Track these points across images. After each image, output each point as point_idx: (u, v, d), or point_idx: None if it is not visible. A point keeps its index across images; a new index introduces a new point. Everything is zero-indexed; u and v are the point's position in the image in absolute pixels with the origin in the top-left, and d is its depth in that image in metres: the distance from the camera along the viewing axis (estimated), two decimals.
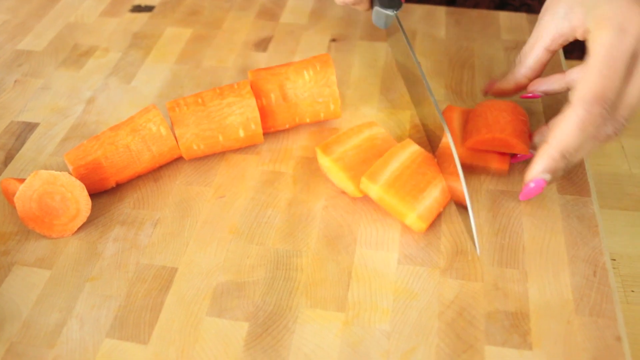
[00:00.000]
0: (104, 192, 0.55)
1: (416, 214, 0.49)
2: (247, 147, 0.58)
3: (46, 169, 0.57)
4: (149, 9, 0.78)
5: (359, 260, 0.49)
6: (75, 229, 0.51)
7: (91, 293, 0.47)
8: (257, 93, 0.56)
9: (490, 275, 0.48)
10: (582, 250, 0.49)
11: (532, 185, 0.49)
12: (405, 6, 0.77)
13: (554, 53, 0.54)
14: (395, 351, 0.43)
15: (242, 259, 0.49)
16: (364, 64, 0.68)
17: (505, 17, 0.75)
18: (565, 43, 0.53)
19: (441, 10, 0.76)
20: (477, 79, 0.66)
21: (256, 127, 0.55)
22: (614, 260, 0.77)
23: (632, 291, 0.74)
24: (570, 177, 0.55)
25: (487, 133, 0.53)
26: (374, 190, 0.50)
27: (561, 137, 0.46)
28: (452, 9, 0.76)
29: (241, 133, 0.55)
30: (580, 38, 0.51)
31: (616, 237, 0.82)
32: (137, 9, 0.78)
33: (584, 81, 0.46)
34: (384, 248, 0.50)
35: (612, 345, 0.43)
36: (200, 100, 0.55)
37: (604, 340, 0.44)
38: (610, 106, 0.46)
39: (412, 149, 0.53)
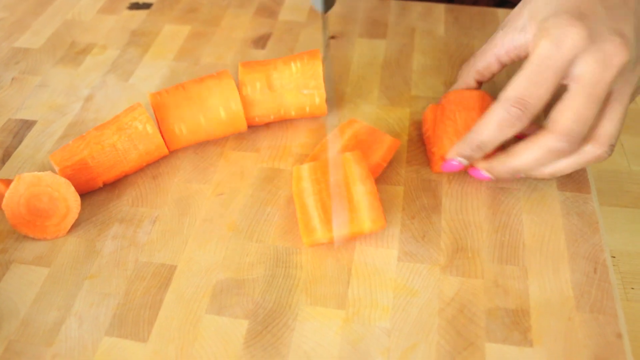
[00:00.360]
0: (102, 190, 0.55)
1: (369, 222, 0.48)
2: (245, 145, 0.58)
3: (44, 167, 0.57)
4: (146, 6, 0.77)
5: (359, 257, 0.49)
6: (69, 227, 0.51)
7: (90, 291, 0.47)
8: (243, 81, 0.57)
9: (490, 273, 0.48)
10: (582, 247, 0.49)
11: (451, 163, 0.52)
12: (404, 3, 0.76)
13: (504, 66, 0.55)
14: (396, 348, 0.43)
15: (241, 257, 0.49)
16: (362, 61, 0.68)
17: (504, 15, 0.75)
18: (517, 59, 0.53)
19: (440, 7, 0.76)
20: None
21: (236, 106, 0.55)
22: (614, 257, 0.77)
23: (632, 288, 0.74)
24: (571, 173, 0.55)
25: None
26: (321, 239, 0.48)
27: (479, 129, 0.49)
28: (451, 6, 0.76)
29: (222, 113, 0.55)
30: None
31: (615, 234, 0.82)
32: (135, 6, 0.78)
33: (512, 83, 0.48)
34: (383, 245, 0.49)
35: (613, 342, 0.43)
36: (181, 88, 0.56)
37: (604, 337, 0.44)
38: (528, 110, 0.47)
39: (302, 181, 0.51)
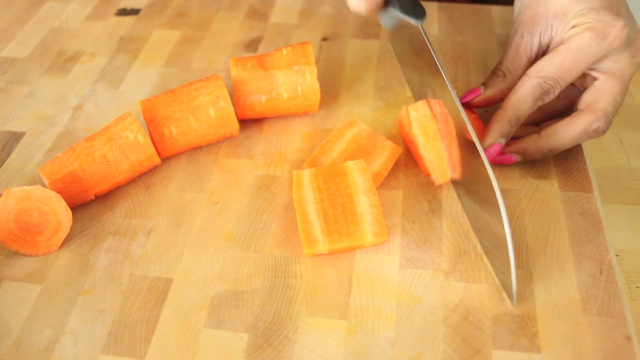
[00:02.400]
0: (94, 202, 0.53)
1: (371, 237, 0.47)
2: (239, 151, 0.57)
3: (33, 180, 0.55)
4: (135, 12, 0.76)
5: (360, 265, 0.48)
6: (60, 242, 0.49)
7: (84, 307, 0.46)
8: (234, 63, 0.57)
9: (494, 277, 0.46)
10: (587, 248, 0.48)
11: (492, 149, 0.52)
12: None
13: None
14: (401, 358, 0.42)
15: (239, 268, 0.48)
16: (356, 62, 0.67)
17: (498, 11, 0.74)
18: (541, 55, 0.56)
19: (433, 6, 0.75)
20: (472, 75, 0.65)
21: (226, 104, 0.55)
22: (617, 256, 0.76)
23: (637, 287, 0.73)
24: (572, 172, 0.54)
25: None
26: (322, 250, 0.47)
27: (517, 103, 0.52)
28: (444, 4, 0.75)
29: (212, 112, 0.54)
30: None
31: (618, 232, 0.80)
32: (123, 12, 0.76)
33: (547, 62, 0.52)
34: (384, 251, 0.48)
35: (622, 345, 0.42)
36: (170, 92, 0.55)
37: (613, 341, 0.43)
38: (556, 89, 0.52)
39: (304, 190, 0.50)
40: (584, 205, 0.51)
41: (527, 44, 0.55)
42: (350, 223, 0.47)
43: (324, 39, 0.70)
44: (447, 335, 0.43)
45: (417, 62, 0.57)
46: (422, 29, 0.53)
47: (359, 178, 0.49)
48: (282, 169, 0.55)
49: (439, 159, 0.52)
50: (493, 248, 0.46)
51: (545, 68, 0.52)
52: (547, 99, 0.52)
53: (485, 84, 0.56)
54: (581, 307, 0.45)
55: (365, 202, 0.48)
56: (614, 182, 0.85)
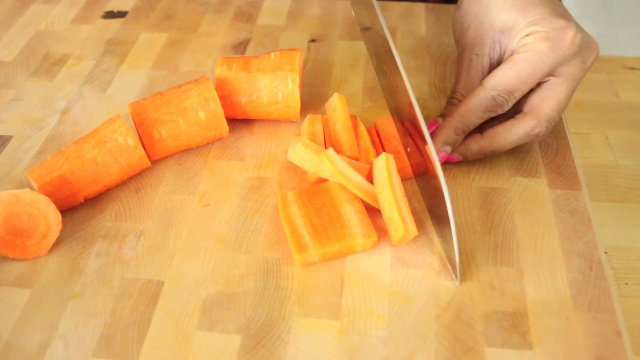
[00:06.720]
0: (83, 205, 0.53)
1: (360, 238, 0.47)
2: (229, 153, 0.57)
3: (21, 184, 0.55)
4: (121, 14, 0.76)
5: (351, 265, 0.48)
6: (50, 246, 0.49)
7: (75, 311, 0.45)
8: (220, 62, 0.57)
9: (485, 275, 0.47)
10: (576, 245, 0.49)
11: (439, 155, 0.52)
12: (384, 4, 0.76)
13: None
14: (394, 357, 0.42)
15: (230, 269, 0.48)
16: (345, 63, 0.67)
17: None
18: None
19: (420, 7, 0.75)
20: None
21: (215, 106, 0.54)
22: (606, 253, 0.77)
23: (626, 284, 0.74)
24: (560, 171, 0.55)
25: None
26: (313, 256, 0.47)
27: (466, 114, 0.52)
28: (431, 5, 0.76)
29: (201, 114, 0.54)
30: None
31: (605, 229, 0.81)
32: (110, 14, 0.76)
33: (503, 73, 0.51)
34: (376, 251, 0.48)
35: (613, 340, 0.43)
36: (159, 94, 0.55)
37: (604, 336, 0.43)
38: (512, 100, 0.51)
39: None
40: (572, 203, 0.52)
41: (477, 65, 0.54)
42: (338, 228, 0.48)
43: (312, 41, 0.70)
44: (440, 334, 0.43)
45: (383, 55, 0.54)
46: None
47: (342, 192, 0.50)
48: (272, 171, 0.55)
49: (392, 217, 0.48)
50: (441, 228, 0.48)
51: (500, 80, 0.51)
52: (500, 111, 0.52)
53: (443, 115, 0.55)
54: (572, 303, 0.45)
55: (350, 210, 0.49)
56: (601, 180, 0.86)
